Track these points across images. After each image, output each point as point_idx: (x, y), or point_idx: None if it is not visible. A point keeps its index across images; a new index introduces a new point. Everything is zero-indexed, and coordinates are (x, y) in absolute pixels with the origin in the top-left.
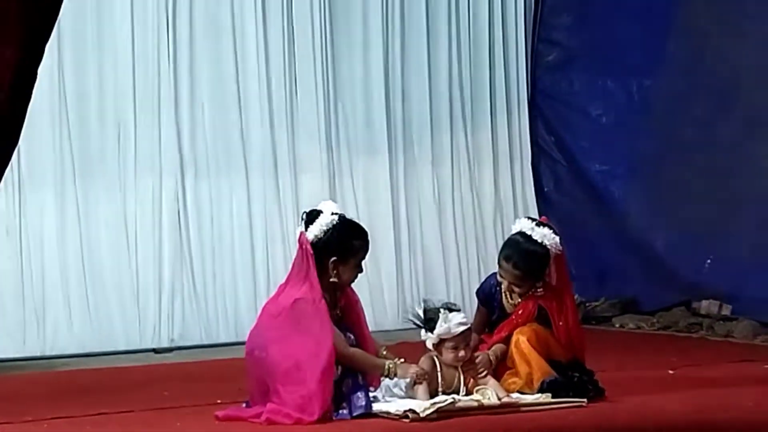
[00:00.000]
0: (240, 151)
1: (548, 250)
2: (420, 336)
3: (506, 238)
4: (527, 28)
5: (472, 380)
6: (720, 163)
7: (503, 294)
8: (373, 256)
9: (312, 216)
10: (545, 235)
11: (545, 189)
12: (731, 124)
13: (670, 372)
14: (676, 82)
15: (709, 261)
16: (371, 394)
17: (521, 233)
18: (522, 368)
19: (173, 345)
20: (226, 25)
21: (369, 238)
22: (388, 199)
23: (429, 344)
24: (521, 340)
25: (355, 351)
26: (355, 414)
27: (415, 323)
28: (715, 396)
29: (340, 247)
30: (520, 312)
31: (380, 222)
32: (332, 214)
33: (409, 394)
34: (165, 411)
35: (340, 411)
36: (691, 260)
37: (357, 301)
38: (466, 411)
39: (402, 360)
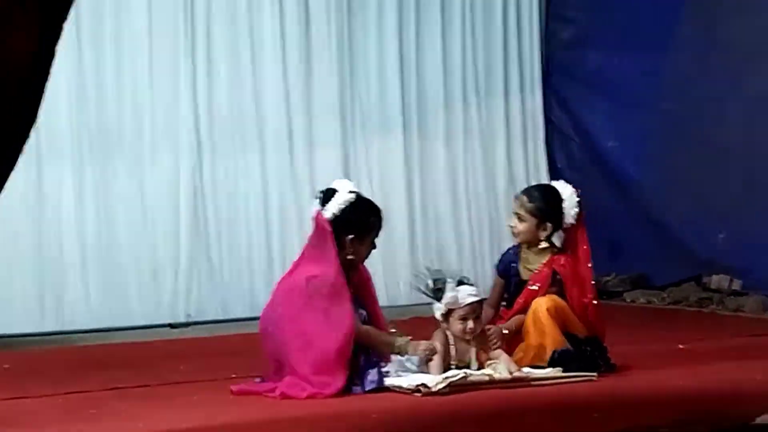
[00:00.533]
0: (256, 128)
1: (562, 200)
2: (432, 310)
3: None
4: (541, 5)
5: (484, 354)
6: (732, 139)
7: (521, 263)
8: (387, 232)
9: (328, 194)
10: (568, 194)
11: (558, 165)
12: (744, 100)
13: (681, 346)
14: (689, 58)
15: (721, 236)
16: (383, 369)
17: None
18: (535, 338)
19: (189, 320)
20: (242, 3)
21: (383, 215)
22: (402, 175)
23: (437, 315)
24: (540, 309)
25: (368, 328)
26: (367, 389)
27: (424, 293)
28: (724, 370)
29: (358, 225)
30: (536, 276)
31: (394, 198)
32: (349, 192)
33: (422, 368)
34: (181, 385)
35: (353, 387)
36: (703, 235)
37: (369, 278)
38: (478, 385)
39: (411, 337)
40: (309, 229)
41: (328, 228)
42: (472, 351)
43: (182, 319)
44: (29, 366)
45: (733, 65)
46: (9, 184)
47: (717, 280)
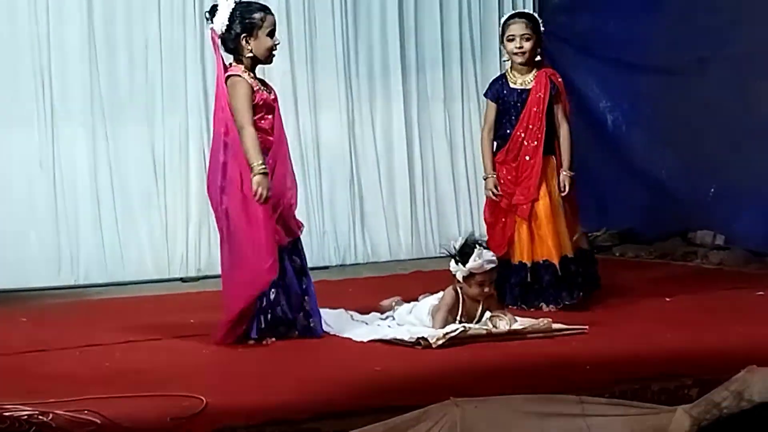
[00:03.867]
0: None
1: None
2: (451, 269)
3: None
4: None
5: (489, 312)
6: (720, 97)
7: (509, 75)
8: (389, 189)
9: (213, 11)
10: None
11: None
12: (731, 59)
13: (667, 299)
14: (676, 20)
15: (712, 191)
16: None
17: None
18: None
19: (200, 274)
20: None
21: (270, 11)
22: (403, 134)
23: (459, 276)
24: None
25: (250, 132)
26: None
27: (450, 254)
28: (708, 323)
29: (244, 24)
30: (536, 86)
31: (395, 156)
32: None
33: (425, 321)
34: (192, 338)
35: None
36: (690, 191)
37: (275, 99)
38: (476, 338)
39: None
40: (313, 183)
41: (215, 39)
42: (480, 307)
43: (193, 274)
44: (45, 319)
45: (720, 24)
46: (24, 143)
47: (701, 235)
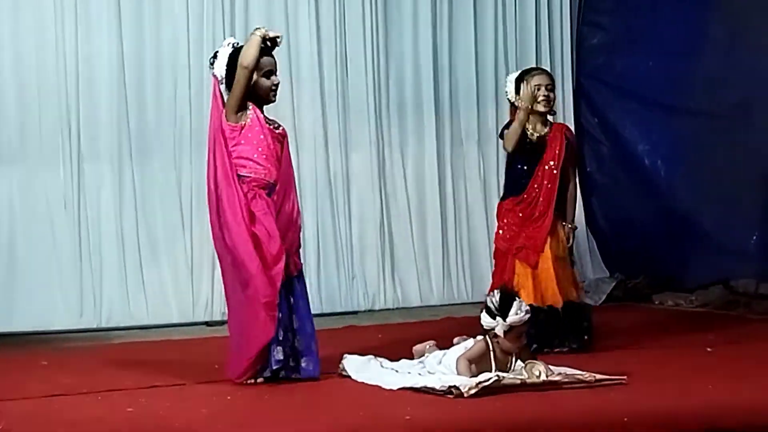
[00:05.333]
0: (292, 128)
1: None
2: (484, 322)
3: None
4: (572, 11)
5: (521, 362)
6: (762, 141)
7: (525, 128)
8: (420, 232)
9: (215, 57)
10: None
11: (588, 169)
12: None
13: (708, 350)
14: (716, 63)
15: (755, 237)
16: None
17: None
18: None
19: (225, 318)
20: (279, 3)
21: (268, 51)
22: (435, 176)
23: (499, 331)
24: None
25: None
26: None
27: (490, 309)
28: (752, 375)
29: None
30: (552, 139)
31: (427, 199)
32: (227, 45)
33: (452, 369)
34: (217, 383)
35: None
36: (732, 238)
37: (283, 135)
38: (510, 388)
39: None
40: (342, 225)
41: (215, 84)
42: (512, 358)
43: (218, 317)
44: (67, 363)
45: (763, 67)
46: (49, 183)
47: (744, 284)
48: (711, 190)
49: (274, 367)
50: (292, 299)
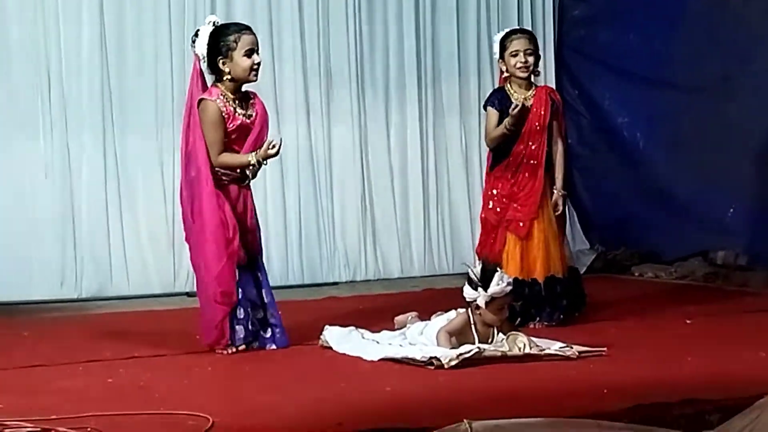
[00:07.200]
0: (273, 100)
1: None
2: (466, 294)
3: None
4: None
5: (502, 334)
6: (742, 114)
7: (508, 90)
8: (402, 204)
9: (197, 35)
10: None
11: (569, 141)
12: (755, 75)
13: (688, 321)
14: (700, 34)
15: (732, 210)
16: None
17: None
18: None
19: None
20: None
21: (246, 27)
22: (417, 147)
23: (481, 302)
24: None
25: (223, 156)
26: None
27: (472, 280)
28: (730, 346)
29: (219, 47)
30: (537, 101)
31: (409, 170)
32: (209, 23)
33: (433, 340)
34: (197, 355)
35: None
36: (711, 210)
37: (266, 121)
38: (490, 360)
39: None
40: (324, 197)
41: (196, 62)
42: (493, 330)
43: None
44: (48, 333)
45: (743, 40)
46: (29, 152)
47: (723, 256)
48: (690, 163)
49: (238, 344)
50: (259, 274)
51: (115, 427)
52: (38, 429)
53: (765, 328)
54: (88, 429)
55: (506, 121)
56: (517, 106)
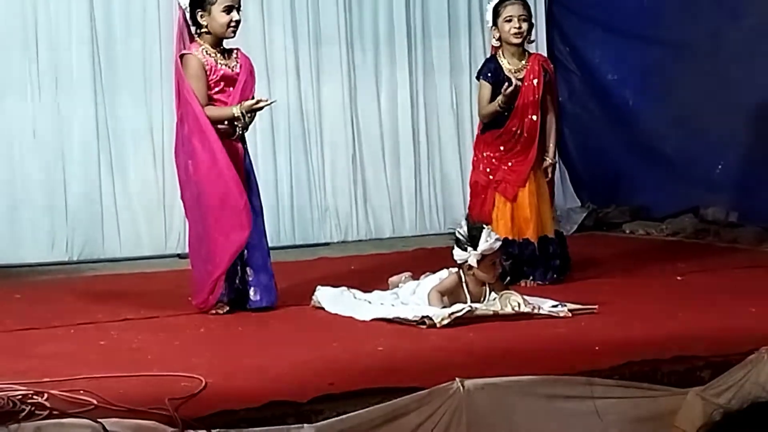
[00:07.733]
0: (263, 59)
1: None
2: (456, 256)
3: None
4: None
5: (494, 294)
6: (732, 71)
7: (500, 59)
8: (393, 164)
9: None
10: None
11: (560, 98)
12: (744, 31)
13: (678, 278)
14: None
15: (720, 167)
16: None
17: None
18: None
19: None
20: None
21: None
22: (408, 106)
23: (473, 261)
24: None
25: (208, 108)
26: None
27: (460, 240)
28: (720, 302)
29: (198, 0)
30: (529, 72)
31: (400, 129)
32: None
33: (425, 300)
34: (190, 316)
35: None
36: (702, 167)
37: (251, 71)
38: (482, 318)
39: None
40: (314, 157)
41: (181, 15)
42: (486, 289)
43: None
44: (39, 296)
45: None
46: (17, 113)
47: (713, 212)
48: (679, 120)
49: (226, 300)
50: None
51: (108, 390)
52: (30, 392)
53: (755, 284)
54: (81, 391)
55: (499, 99)
56: (510, 86)
